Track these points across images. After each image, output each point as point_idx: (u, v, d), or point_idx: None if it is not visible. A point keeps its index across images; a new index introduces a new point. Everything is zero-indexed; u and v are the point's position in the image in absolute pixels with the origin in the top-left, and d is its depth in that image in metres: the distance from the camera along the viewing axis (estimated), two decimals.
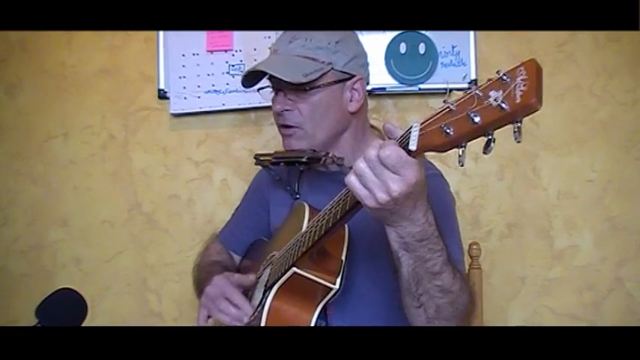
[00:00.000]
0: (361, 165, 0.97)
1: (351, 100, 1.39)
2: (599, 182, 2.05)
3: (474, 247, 1.66)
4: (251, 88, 1.47)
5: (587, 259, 2.05)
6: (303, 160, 1.37)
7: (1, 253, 2.30)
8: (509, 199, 2.09)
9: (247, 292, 1.41)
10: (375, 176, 0.96)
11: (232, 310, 1.32)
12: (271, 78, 1.40)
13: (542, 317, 2.06)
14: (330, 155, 1.36)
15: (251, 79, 1.43)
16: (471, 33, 2.04)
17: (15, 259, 2.29)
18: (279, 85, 1.39)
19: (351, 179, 0.99)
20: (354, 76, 1.39)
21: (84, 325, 1.12)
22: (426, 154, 1.19)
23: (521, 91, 0.78)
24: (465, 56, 2.04)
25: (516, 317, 2.07)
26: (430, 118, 0.90)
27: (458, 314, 1.13)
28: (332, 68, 1.36)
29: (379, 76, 2.04)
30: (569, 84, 2.06)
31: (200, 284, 1.53)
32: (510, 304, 2.07)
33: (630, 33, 1.97)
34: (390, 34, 2.06)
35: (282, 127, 1.41)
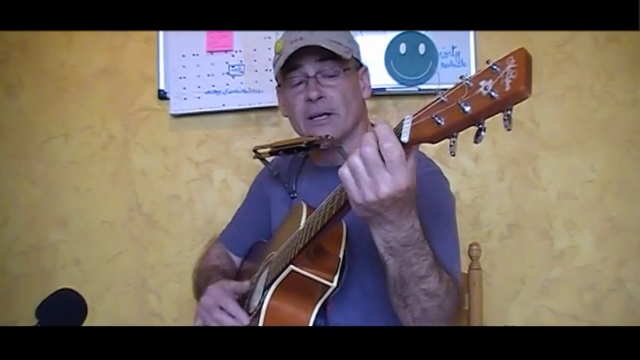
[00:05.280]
0: (356, 161, 0.97)
1: (363, 88, 1.46)
2: (599, 182, 2.05)
3: (474, 247, 1.66)
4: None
5: (587, 260, 2.05)
6: (303, 145, 1.37)
7: (1, 253, 2.30)
8: (510, 200, 2.09)
9: (245, 297, 1.41)
10: (368, 175, 0.96)
11: (227, 320, 1.31)
12: (300, 66, 1.38)
13: (542, 318, 2.06)
14: (329, 137, 1.36)
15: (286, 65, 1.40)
16: (471, 33, 2.04)
17: (15, 259, 2.29)
18: (312, 70, 1.38)
19: (345, 172, 0.99)
20: (362, 65, 1.46)
21: (84, 325, 1.12)
22: (426, 153, 1.18)
23: (511, 79, 0.79)
24: (465, 57, 2.05)
25: (516, 318, 2.07)
26: (422, 110, 0.91)
27: (444, 317, 1.14)
28: (352, 55, 1.41)
29: (379, 76, 2.04)
30: (569, 84, 2.07)
31: (199, 289, 1.54)
32: (510, 304, 2.07)
33: (630, 33, 1.98)
34: (390, 35, 2.06)
35: (314, 116, 1.39)
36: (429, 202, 1.26)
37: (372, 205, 0.98)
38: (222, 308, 1.33)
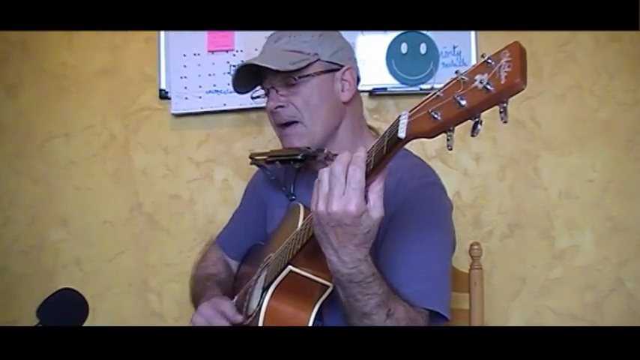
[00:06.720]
0: (325, 172, 1.02)
1: (342, 90, 1.41)
2: (600, 182, 2.05)
3: (475, 247, 1.65)
4: (242, 94, 1.48)
5: (588, 259, 2.05)
6: (299, 157, 1.38)
7: (1, 253, 2.30)
8: (510, 199, 2.09)
9: (242, 304, 1.41)
10: (328, 188, 1.01)
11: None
12: (262, 80, 1.42)
13: (543, 317, 2.06)
14: (325, 152, 1.37)
15: (243, 83, 1.45)
16: (472, 33, 2.04)
17: (16, 259, 2.29)
18: (271, 83, 1.41)
19: (317, 179, 1.04)
20: (342, 66, 1.41)
21: (85, 325, 1.12)
22: (427, 153, 1.18)
23: (506, 72, 0.79)
24: (466, 56, 2.04)
25: (517, 317, 2.07)
26: (418, 106, 0.92)
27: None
28: (318, 59, 1.39)
29: (380, 76, 2.04)
30: (570, 84, 2.06)
31: (195, 298, 1.54)
32: (511, 304, 2.07)
33: (631, 33, 1.97)
34: (392, 35, 2.06)
35: (280, 126, 1.43)
36: (419, 216, 1.28)
37: (322, 218, 1.02)
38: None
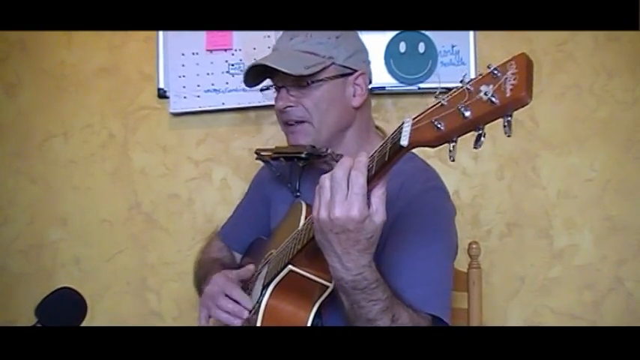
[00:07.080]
0: (326, 178, 1.02)
1: (354, 95, 1.40)
2: (599, 181, 2.05)
3: (474, 246, 1.65)
4: (251, 88, 1.47)
5: (586, 259, 2.05)
6: (303, 155, 1.38)
7: (0, 252, 2.30)
8: (509, 199, 2.09)
9: (248, 285, 1.41)
10: (330, 194, 1.00)
11: (231, 306, 1.32)
12: (273, 76, 1.41)
13: (541, 317, 2.06)
14: (329, 152, 1.37)
15: (253, 78, 1.44)
16: (471, 32, 2.03)
17: (15, 258, 2.29)
18: (282, 82, 1.39)
19: (318, 186, 1.04)
20: (355, 71, 1.40)
21: (83, 324, 1.12)
22: (426, 152, 1.18)
23: (512, 85, 0.78)
24: (464, 55, 2.04)
25: (516, 317, 2.07)
26: (422, 114, 0.91)
27: None
28: (333, 63, 1.37)
29: (379, 75, 2.03)
30: (569, 83, 2.06)
31: (200, 281, 1.54)
32: (510, 303, 2.07)
33: (630, 33, 1.97)
34: (390, 34, 2.06)
35: (287, 124, 1.42)
36: (421, 221, 1.28)
37: (324, 225, 1.01)
38: (226, 295, 1.33)
